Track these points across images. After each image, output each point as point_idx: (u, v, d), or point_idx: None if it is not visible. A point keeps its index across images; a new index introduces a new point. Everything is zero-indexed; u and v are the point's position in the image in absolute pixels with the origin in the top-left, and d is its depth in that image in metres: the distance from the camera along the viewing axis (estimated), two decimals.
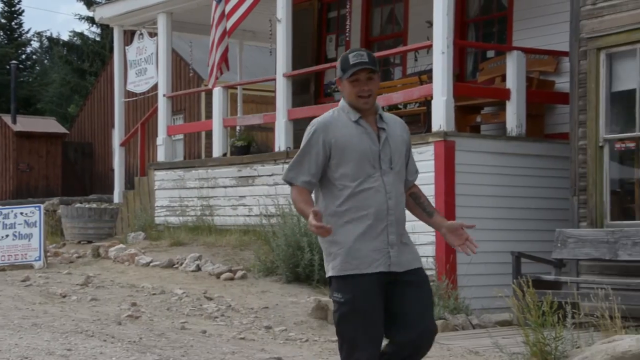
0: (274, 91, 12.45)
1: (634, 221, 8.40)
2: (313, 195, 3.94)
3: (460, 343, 7.36)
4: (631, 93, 8.61)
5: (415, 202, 4.08)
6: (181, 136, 19.23)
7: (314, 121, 3.94)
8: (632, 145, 8.61)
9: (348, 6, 12.05)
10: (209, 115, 16.16)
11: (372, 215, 3.82)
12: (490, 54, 11.45)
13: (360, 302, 3.80)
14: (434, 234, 9.26)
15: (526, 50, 10.08)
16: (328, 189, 3.89)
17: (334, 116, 3.92)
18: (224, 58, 12.15)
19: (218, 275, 9.74)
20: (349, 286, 3.81)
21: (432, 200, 9.25)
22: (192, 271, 10.12)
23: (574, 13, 8.95)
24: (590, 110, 8.75)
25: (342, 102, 3.93)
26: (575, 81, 8.94)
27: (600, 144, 8.70)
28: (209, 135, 14.84)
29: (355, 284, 3.80)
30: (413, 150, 11.36)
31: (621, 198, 8.81)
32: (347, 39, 12.85)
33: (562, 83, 10.17)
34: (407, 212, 4.07)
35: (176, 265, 10.43)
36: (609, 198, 8.63)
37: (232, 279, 9.60)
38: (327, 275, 3.94)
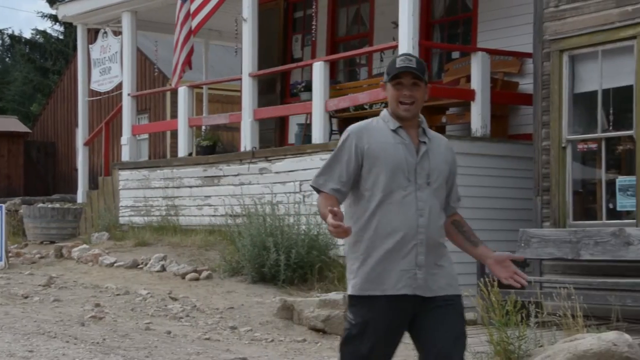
0: (240, 91, 12.42)
1: (595, 221, 8.50)
2: (342, 208, 3.60)
3: None
4: (593, 95, 8.71)
5: (458, 229, 3.75)
6: (146, 136, 19.10)
7: (349, 127, 3.66)
8: (594, 146, 8.72)
9: (314, 6, 12.05)
10: (174, 115, 16.08)
11: (399, 232, 3.49)
12: (456, 54, 11.52)
13: (372, 328, 3.49)
14: None
15: (490, 52, 10.16)
16: (357, 200, 3.59)
17: (372, 123, 3.64)
18: (189, 58, 12.10)
19: (183, 276, 9.68)
20: (364, 308, 3.51)
21: None
22: (157, 271, 10.06)
23: (537, 15, 9.04)
24: (553, 112, 8.84)
25: (383, 111, 3.66)
26: (538, 82, 9.02)
27: (563, 145, 8.79)
28: (174, 134, 14.77)
29: (371, 306, 3.49)
30: None
31: (583, 198, 8.92)
32: (313, 39, 12.85)
33: (526, 84, 10.26)
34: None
35: (141, 266, 10.36)
36: (572, 198, 8.73)
37: (197, 279, 9.55)
38: (347, 294, 3.63)
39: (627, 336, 5.71)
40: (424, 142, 3.60)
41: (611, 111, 8.60)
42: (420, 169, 3.55)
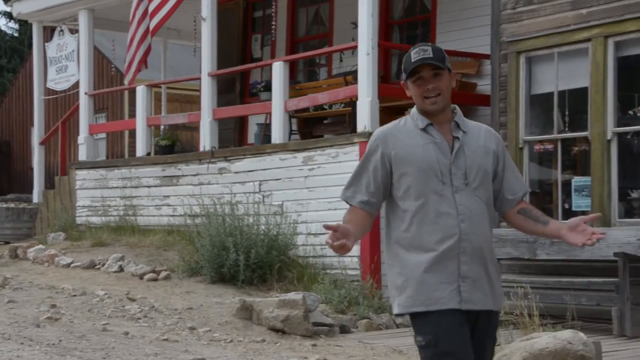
0: (199, 90, 12.35)
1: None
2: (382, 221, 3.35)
3: (384, 342, 7.42)
4: (549, 96, 8.83)
5: (526, 215, 3.38)
6: (103, 135, 18.91)
7: (376, 130, 3.40)
8: (550, 147, 8.83)
9: (273, 6, 12.03)
10: (132, 114, 15.95)
11: (438, 241, 3.20)
12: None
13: (444, 344, 3.19)
14: None
15: (449, 53, 10.20)
16: (393, 211, 3.32)
17: (399, 125, 3.35)
18: (146, 56, 12.01)
19: (141, 276, 9.61)
20: (429, 326, 3.22)
21: None
22: (115, 272, 9.96)
23: (495, 17, 9.13)
24: (510, 113, 8.94)
25: (413, 109, 3.36)
26: (496, 84, 9.12)
27: (520, 146, 8.90)
28: (133, 134, 14.65)
29: (435, 323, 3.20)
30: (338, 150, 11.37)
31: (540, 198, 9.03)
32: (273, 38, 12.84)
33: (484, 85, 10.36)
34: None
35: (98, 266, 10.26)
36: (529, 198, 8.84)
37: (155, 279, 9.49)
38: (394, 312, 3.41)
39: (581, 334, 5.79)
40: (458, 138, 3.28)
41: (567, 112, 8.72)
42: (455, 169, 3.23)
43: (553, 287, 7.86)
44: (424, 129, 3.29)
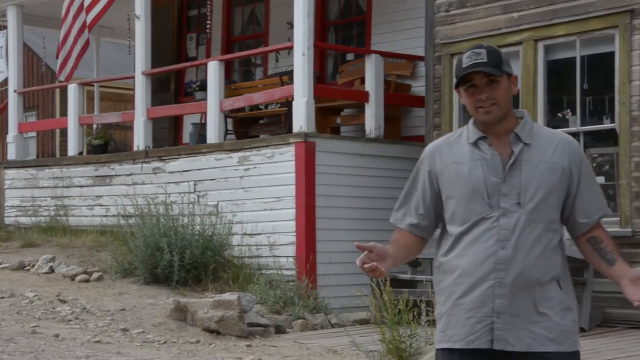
0: (133, 89, 12.20)
1: None
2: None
3: (319, 342, 7.44)
4: None
5: (594, 247, 2.91)
6: (34, 134, 18.54)
7: (429, 144, 3.04)
8: None
9: (208, 5, 11.95)
10: (64, 113, 15.65)
11: (473, 270, 2.80)
12: (350, 56, 11.65)
13: None
14: (294, 234, 9.34)
15: (384, 54, 10.32)
16: (442, 235, 2.97)
17: (453, 137, 2.96)
18: (84, 52, 11.83)
19: (73, 277, 9.45)
20: None
21: (292, 201, 9.34)
22: (45, 273, 9.77)
23: (429, 19, 9.24)
24: (444, 114, 9.05)
25: (472, 120, 2.96)
26: (430, 85, 9.23)
27: None
28: (64, 133, 14.38)
29: None
30: (274, 150, 11.35)
31: None
32: (208, 37, 12.76)
33: (418, 87, 10.47)
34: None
35: (27, 267, 10.04)
36: None
37: (87, 280, 9.34)
38: None
39: None
40: (515, 152, 2.83)
41: None
42: (507, 188, 2.81)
43: None
44: (474, 143, 2.87)
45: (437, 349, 2.90)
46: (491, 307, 2.78)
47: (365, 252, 2.81)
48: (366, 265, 2.79)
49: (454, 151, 2.90)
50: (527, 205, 2.80)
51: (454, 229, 2.87)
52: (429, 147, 2.98)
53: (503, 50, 8.65)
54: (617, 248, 2.94)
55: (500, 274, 2.77)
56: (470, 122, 2.94)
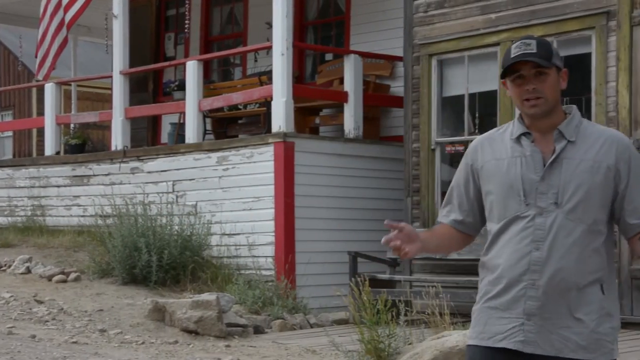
0: (111, 89, 12.14)
1: None
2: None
3: (298, 342, 7.44)
4: (460, 98, 9.01)
5: None
6: (10, 133, 18.40)
7: (474, 140, 2.96)
8: (461, 148, 9.01)
9: (187, 4, 11.92)
10: (40, 112, 15.54)
11: (507, 269, 2.73)
12: (329, 56, 11.66)
13: None
14: (273, 234, 9.33)
15: (363, 54, 10.34)
16: (486, 234, 2.91)
17: (497, 132, 2.87)
18: (62, 50, 11.75)
19: (50, 278, 9.38)
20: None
21: (271, 201, 9.33)
22: (22, 273, 9.70)
23: (408, 20, 9.27)
24: (423, 114, 9.08)
25: (518, 114, 2.87)
26: (409, 86, 9.25)
27: (432, 147, 9.05)
28: (41, 132, 14.27)
29: (475, 358, 2.81)
30: (253, 150, 11.33)
31: None
32: (187, 37, 12.72)
33: (397, 87, 10.49)
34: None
35: (4, 268, 9.96)
36: (440, 199, 8.99)
37: (65, 281, 9.28)
38: None
39: None
40: (557, 149, 2.73)
41: (477, 115, 8.91)
42: (545, 187, 2.71)
43: (464, 286, 8.02)
44: (517, 139, 2.78)
45: (467, 346, 2.85)
46: (522, 309, 2.70)
47: (395, 232, 2.74)
48: (392, 243, 2.73)
49: (495, 147, 2.82)
50: (565, 205, 2.69)
51: (492, 226, 2.81)
52: (473, 142, 2.90)
53: (481, 51, 8.76)
54: None
55: (534, 276, 2.69)
56: (516, 117, 2.85)
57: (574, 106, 2.82)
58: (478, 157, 2.84)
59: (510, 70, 2.74)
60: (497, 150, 2.81)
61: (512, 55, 2.73)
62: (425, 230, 2.92)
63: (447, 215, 2.93)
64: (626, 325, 7.54)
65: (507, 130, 2.83)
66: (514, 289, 2.71)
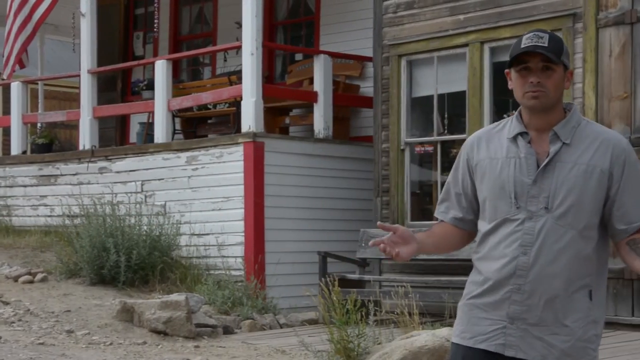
0: (79, 88, 12.04)
1: (432, 222, 8.83)
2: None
3: (268, 342, 7.43)
4: (429, 99, 9.06)
5: (631, 247, 2.73)
6: None
7: (470, 136, 2.91)
8: (430, 148, 9.06)
9: (156, 4, 11.85)
10: (6, 111, 15.37)
11: (492, 273, 2.69)
12: (299, 56, 11.66)
13: None
14: (243, 234, 9.31)
15: (332, 55, 10.35)
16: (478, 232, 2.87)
17: (495, 130, 2.81)
18: (25, 48, 11.63)
19: (16, 279, 9.28)
20: (452, 358, 2.84)
21: (240, 201, 9.31)
22: None
23: (377, 20, 9.30)
24: (392, 115, 9.12)
25: (517, 111, 2.80)
26: (378, 86, 9.28)
27: (402, 147, 9.09)
28: (7, 131, 14.11)
29: (456, 357, 2.79)
30: (222, 150, 11.28)
31: (420, 199, 9.25)
32: (156, 36, 12.65)
33: (367, 87, 10.52)
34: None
35: None
36: (410, 199, 9.03)
37: (31, 282, 9.19)
38: None
39: None
40: (552, 152, 2.67)
41: (446, 115, 8.97)
42: (536, 191, 2.65)
43: (432, 286, 8.06)
44: (513, 139, 2.72)
45: (452, 342, 2.84)
46: (506, 312, 2.66)
47: (390, 234, 2.70)
48: (381, 246, 2.69)
49: (491, 145, 2.76)
50: (556, 210, 2.63)
51: (482, 226, 2.77)
52: (469, 139, 2.84)
53: (450, 52, 8.81)
54: None
55: (519, 280, 2.64)
56: (516, 113, 2.77)
57: (574, 104, 2.77)
58: (474, 153, 2.78)
59: (518, 60, 2.67)
60: (492, 149, 2.75)
61: (523, 46, 2.65)
62: (423, 230, 2.87)
63: (446, 212, 2.86)
64: None
65: (504, 128, 2.77)
66: (500, 292, 2.67)
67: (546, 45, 2.65)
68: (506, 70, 2.77)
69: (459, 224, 2.85)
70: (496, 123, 2.84)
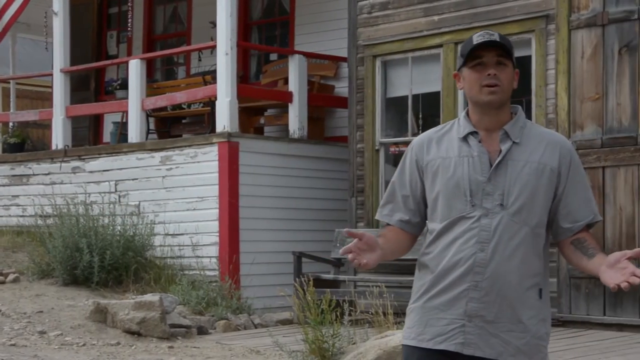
0: (51, 87, 11.95)
1: None
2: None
3: (242, 342, 7.42)
4: (404, 99, 9.09)
5: (576, 247, 2.76)
6: None
7: (416, 137, 2.90)
8: (404, 149, 9.08)
9: (129, 3, 11.79)
10: None
11: (449, 269, 2.69)
12: (274, 56, 11.65)
13: None
14: (217, 234, 9.29)
15: (307, 55, 10.35)
16: (428, 232, 2.85)
17: (442, 131, 2.81)
18: None
19: None
20: None
21: (215, 201, 9.29)
22: None
23: (352, 21, 9.32)
24: (367, 115, 9.14)
25: (463, 112, 2.82)
26: (353, 86, 9.30)
27: (377, 148, 9.11)
28: None
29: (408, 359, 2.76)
30: (197, 150, 11.26)
31: None
32: (129, 36, 12.59)
33: (342, 88, 10.54)
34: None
35: None
36: None
37: (3, 282, 9.11)
38: None
39: None
40: (504, 150, 2.70)
41: (420, 115, 9.00)
42: (491, 188, 2.67)
43: (407, 285, 8.06)
44: (464, 139, 2.74)
45: (403, 345, 2.80)
46: (463, 310, 2.66)
47: (355, 240, 2.67)
48: (350, 256, 2.66)
49: (441, 145, 2.76)
50: (511, 207, 2.67)
51: (434, 225, 2.75)
52: (416, 140, 2.84)
53: (424, 52, 8.84)
54: (600, 246, 2.80)
55: (477, 277, 2.65)
56: (462, 115, 2.81)
57: (519, 107, 2.80)
58: (423, 154, 2.78)
59: (472, 56, 2.70)
60: (443, 149, 2.75)
61: (477, 42, 2.68)
62: (378, 235, 2.80)
63: (391, 214, 2.84)
64: (565, 323, 7.70)
65: (452, 129, 2.79)
66: (456, 289, 2.67)
67: (498, 40, 2.69)
68: (454, 73, 2.80)
69: (405, 226, 2.83)
70: (440, 126, 2.85)
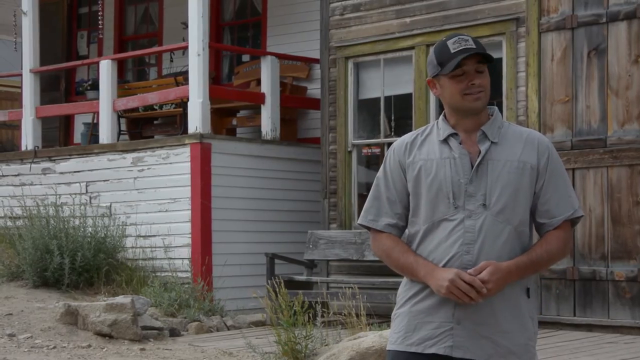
0: (21, 87, 11.84)
1: None
2: None
3: (215, 344, 7.41)
4: (376, 101, 9.12)
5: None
6: None
7: (396, 141, 2.85)
8: (377, 150, 9.12)
9: (100, 3, 11.72)
10: None
11: None
12: (246, 58, 11.63)
13: None
14: (190, 235, 9.26)
15: (280, 56, 10.35)
16: (408, 235, 2.81)
17: (424, 132, 2.79)
18: None
19: None
20: None
21: (187, 203, 9.26)
22: None
23: (324, 22, 9.33)
24: (339, 117, 9.16)
25: (441, 116, 2.80)
26: (325, 88, 9.31)
27: (349, 149, 9.13)
28: None
29: None
30: (169, 151, 11.21)
31: None
32: (100, 36, 12.51)
33: (314, 89, 10.55)
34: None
35: None
36: (357, 201, 9.08)
37: None
38: None
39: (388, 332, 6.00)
40: (482, 152, 2.70)
41: (392, 117, 9.04)
42: (473, 189, 2.67)
43: (380, 287, 8.11)
44: (445, 141, 2.72)
45: (389, 350, 2.76)
46: (452, 313, 2.64)
47: (458, 272, 2.61)
48: (472, 293, 2.60)
49: (423, 148, 2.74)
50: (493, 207, 2.66)
51: (415, 228, 2.73)
52: (397, 143, 2.80)
53: (396, 54, 8.88)
54: (548, 252, 2.72)
55: None
56: (440, 118, 2.79)
57: (496, 108, 2.81)
58: (405, 157, 2.75)
59: (453, 65, 2.66)
60: (424, 151, 2.73)
61: (455, 51, 2.65)
62: (407, 253, 2.75)
63: (376, 219, 2.78)
64: None
65: (432, 132, 2.77)
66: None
67: (474, 47, 2.68)
68: (428, 79, 2.78)
69: (392, 230, 2.77)
70: (419, 129, 2.83)
